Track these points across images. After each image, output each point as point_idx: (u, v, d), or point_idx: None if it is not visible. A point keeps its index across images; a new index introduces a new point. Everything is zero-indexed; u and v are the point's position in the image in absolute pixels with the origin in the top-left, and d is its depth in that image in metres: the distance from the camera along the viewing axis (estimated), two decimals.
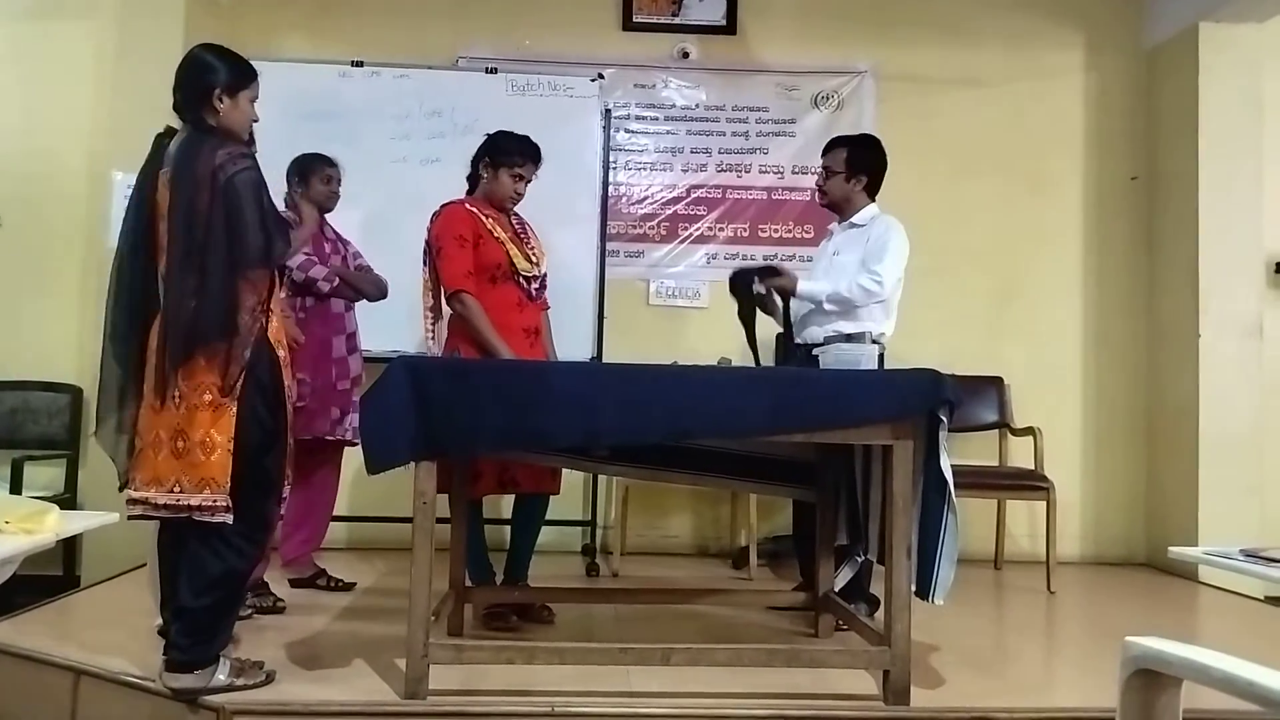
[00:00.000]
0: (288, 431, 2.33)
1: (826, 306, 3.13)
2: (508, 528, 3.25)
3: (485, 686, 2.37)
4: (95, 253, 4.15)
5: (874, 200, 3.32)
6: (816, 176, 3.37)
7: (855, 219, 3.28)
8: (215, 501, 2.17)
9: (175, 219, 2.20)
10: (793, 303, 3.27)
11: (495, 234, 3.04)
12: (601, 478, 4.34)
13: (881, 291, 3.10)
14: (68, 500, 4.05)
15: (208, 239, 2.18)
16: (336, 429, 3.37)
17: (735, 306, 3.30)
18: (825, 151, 3.35)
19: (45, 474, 4.11)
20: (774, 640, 2.97)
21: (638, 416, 2.34)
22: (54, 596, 3.33)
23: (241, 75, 2.35)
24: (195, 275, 2.17)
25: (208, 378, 2.18)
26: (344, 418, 3.39)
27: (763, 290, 3.23)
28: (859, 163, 3.28)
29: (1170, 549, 2.41)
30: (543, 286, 3.18)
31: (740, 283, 3.26)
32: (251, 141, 2.43)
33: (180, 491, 2.18)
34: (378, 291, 3.50)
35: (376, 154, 4.25)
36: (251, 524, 2.25)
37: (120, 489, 2.30)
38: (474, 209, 3.07)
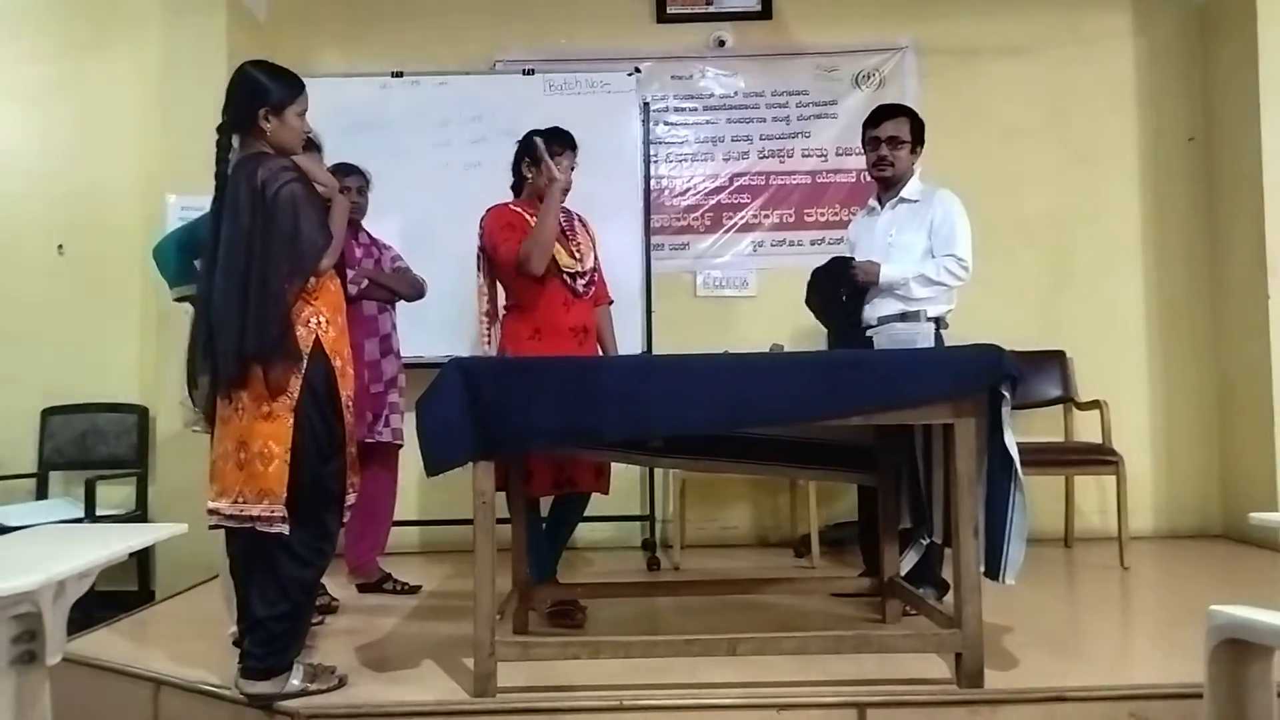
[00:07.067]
0: (347, 442, 2.35)
1: (916, 292, 3.04)
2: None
3: (553, 682, 2.37)
4: (153, 275, 4.25)
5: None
6: (879, 147, 3.14)
7: (905, 194, 3.18)
8: (273, 512, 2.20)
9: (226, 239, 2.25)
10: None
11: None
12: (658, 472, 4.33)
13: (968, 277, 3.03)
14: (139, 516, 4.16)
15: (252, 257, 2.21)
16: (371, 432, 3.37)
17: (802, 300, 3.29)
18: (880, 120, 3.17)
19: (117, 493, 4.24)
20: (840, 627, 2.93)
21: (690, 408, 2.32)
22: (130, 611, 3.42)
23: (288, 91, 2.36)
24: (243, 292, 2.20)
25: (264, 390, 2.22)
26: (378, 420, 3.40)
27: (858, 280, 3.11)
28: (919, 135, 3.19)
29: (1252, 515, 2.32)
30: (591, 282, 3.16)
31: (827, 281, 3.19)
32: (319, 149, 2.43)
33: (243, 502, 2.23)
34: (414, 291, 3.51)
35: (419, 162, 4.30)
36: (315, 533, 2.28)
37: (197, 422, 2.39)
38: (518, 209, 3.09)
